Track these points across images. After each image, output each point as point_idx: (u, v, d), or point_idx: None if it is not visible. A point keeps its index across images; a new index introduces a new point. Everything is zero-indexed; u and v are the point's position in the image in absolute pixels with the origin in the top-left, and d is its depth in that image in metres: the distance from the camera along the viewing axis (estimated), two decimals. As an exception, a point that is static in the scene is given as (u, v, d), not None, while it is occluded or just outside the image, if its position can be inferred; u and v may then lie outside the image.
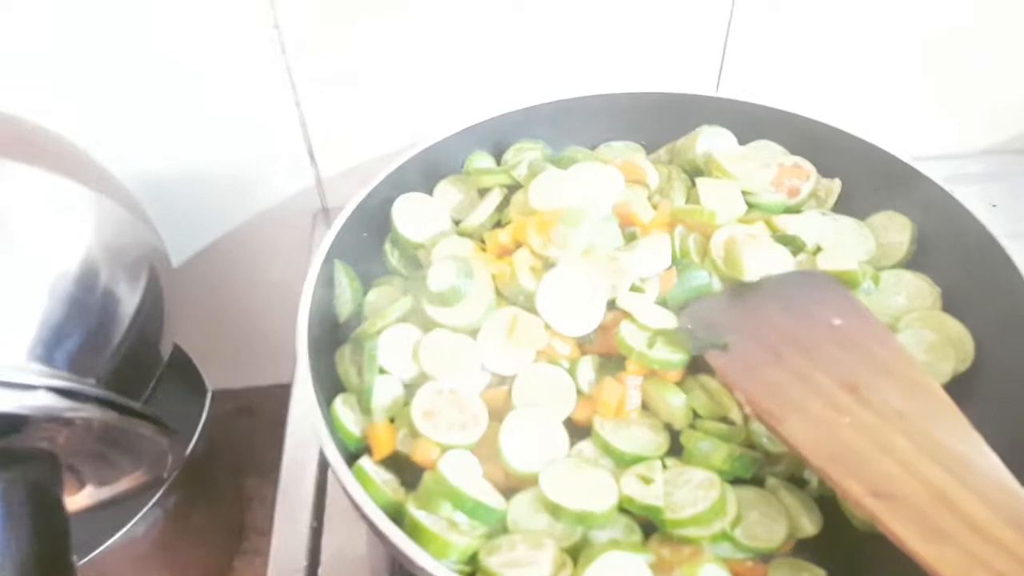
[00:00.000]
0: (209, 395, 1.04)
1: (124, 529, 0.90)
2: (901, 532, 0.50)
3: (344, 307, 0.73)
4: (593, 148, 0.87)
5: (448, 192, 0.83)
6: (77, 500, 0.91)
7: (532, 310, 0.68)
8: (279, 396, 0.95)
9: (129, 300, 0.85)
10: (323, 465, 0.79)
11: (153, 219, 0.94)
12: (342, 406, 0.65)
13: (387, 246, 0.79)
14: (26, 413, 0.68)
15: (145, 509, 0.92)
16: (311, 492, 0.77)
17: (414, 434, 0.63)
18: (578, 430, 0.66)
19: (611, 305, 0.69)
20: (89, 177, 0.87)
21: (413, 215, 0.78)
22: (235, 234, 1.08)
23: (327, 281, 0.72)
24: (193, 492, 1.01)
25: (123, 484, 0.92)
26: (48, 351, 0.75)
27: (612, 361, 0.68)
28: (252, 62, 0.91)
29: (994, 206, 1.04)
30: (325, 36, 0.90)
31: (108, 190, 0.89)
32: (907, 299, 0.72)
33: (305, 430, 0.83)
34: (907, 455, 0.54)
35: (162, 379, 0.93)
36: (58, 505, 0.77)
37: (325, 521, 0.74)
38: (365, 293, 0.75)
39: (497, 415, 0.65)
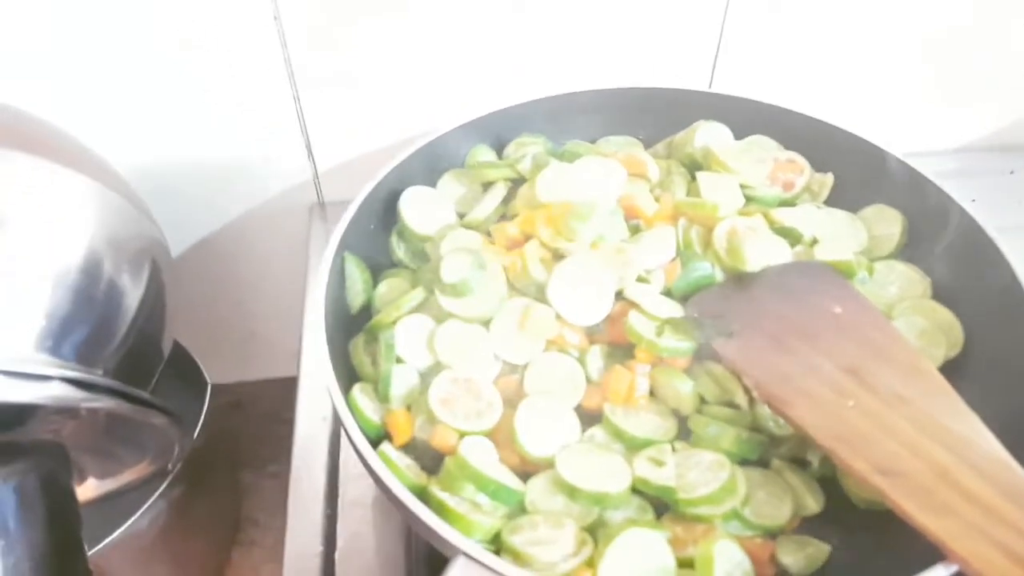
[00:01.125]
0: (209, 388, 1.04)
1: (130, 521, 0.90)
2: (907, 506, 0.53)
3: (356, 299, 0.74)
4: (592, 143, 0.89)
5: (451, 186, 0.84)
6: (80, 493, 0.91)
7: (543, 301, 0.70)
8: (270, 390, 0.97)
9: (133, 292, 0.85)
10: (334, 454, 0.80)
11: (152, 212, 0.95)
12: (360, 395, 0.66)
13: (393, 239, 0.80)
14: (41, 403, 0.68)
15: (150, 501, 0.92)
16: (323, 481, 0.78)
17: (432, 421, 0.65)
18: (588, 417, 0.68)
19: (619, 296, 0.71)
20: (89, 169, 0.87)
21: (420, 208, 0.80)
22: (231, 228, 1.08)
23: (337, 273, 0.73)
24: (194, 485, 1.02)
25: (126, 476, 0.92)
26: (56, 343, 0.75)
27: (620, 350, 0.71)
28: (252, 55, 0.92)
29: (973, 201, 1.08)
30: (326, 32, 0.91)
31: (109, 182, 0.89)
32: (899, 289, 0.75)
33: (315, 420, 0.84)
34: (909, 435, 0.57)
35: (164, 373, 0.93)
36: (70, 495, 0.77)
37: (339, 509, 0.75)
38: (375, 285, 0.76)
39: (510, 402, 0.67)
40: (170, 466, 0.92)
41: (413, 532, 0.71)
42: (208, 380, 1.04)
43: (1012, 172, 1.12)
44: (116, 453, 0.91)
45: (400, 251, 0.79)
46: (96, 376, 0.77)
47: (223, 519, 1.17)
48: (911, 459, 0.56)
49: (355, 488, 0.77)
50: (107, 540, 0.89)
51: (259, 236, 1.08)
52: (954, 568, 0.51)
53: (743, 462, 0.64)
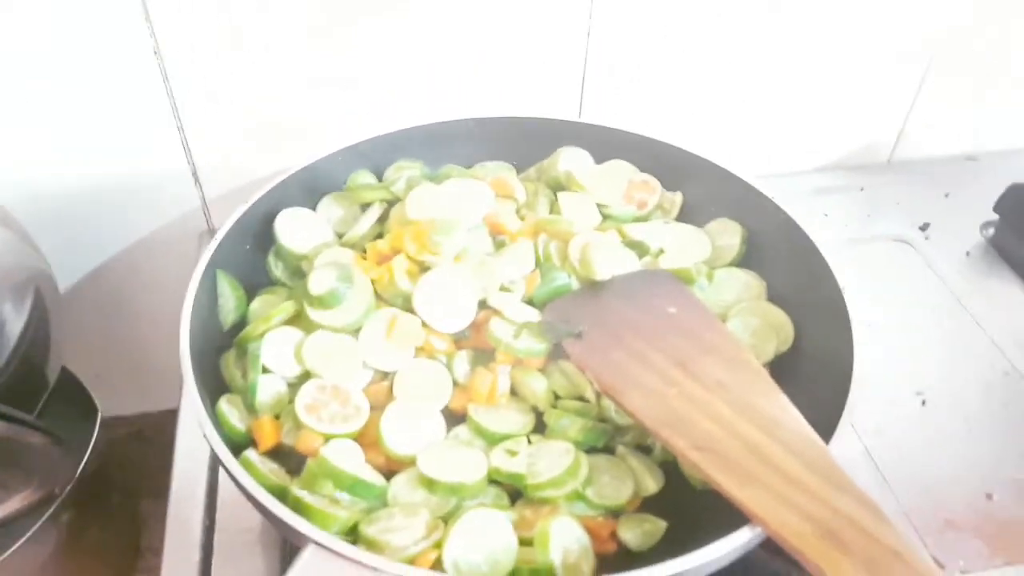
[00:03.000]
0: (99, 416, 1.05)
1: (17, 545, 0.90)
2: (719, 478, 0.59)
3: (228, 315, 0.77)
4: (468, 168, 0.95)
5: (331, 208, 0.89)
6: (-37, 523, 0.91)
7: (410, 310, 0.75)
8: (172, 421, 0.98)
9: (15, 321, 0.86)
10: (214, 469, 0.83)
11: (38, 243, 0.97)
12: (227, 405, 0.70)
13: (271, 258, 0.84)
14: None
15: (37, 526, 0.92)
16: (202, 504, 0.80)
17: (298, 426, 0.69)
18: (455, 418, 0.73)
19: (483, 305, 0.77)
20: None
21: (296, 228, 0.84)
22: (122, 257, 1.10)
23: (210, 291, 0.77)
24: (87, 512, 1.02)
25: (14, 503, 0.92)
26: (-72, 368, 0.76)
27: (484, 354, 0.76)
28: (130, 83, 0.94)
29: (826, 215, 1.18)
30: (204, 56, 0.94)
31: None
32: (737, 292, 0.82)
33: (197, 443, 0.86)
34: (725, 416, 0.64)
35: (52, 399, 0.94)
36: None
37: (216, 531, 0.78)
38: (249, 302, 0.80)
39: (380, 407, 0.71)
40: (56, 490, 0.93)
41: (288, 542, 0.74)
42: (99, 407, 1.05)
43: (862, 189, 1.23)
44: (2, 479, 0.91)
45: (277, 270, 0.83)
46: (-26, 400, 0.78)
47: (120, 547, 1.17)
48: (725, 437, 0.62)
49: (234, 512, 0.79)
50: (-4, 562, 0.89)
51: (150, 264, 1.10)
52: (759, 530, 0.57)
53: (591, 450, 0.70)
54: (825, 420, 0.65)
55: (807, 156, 1.25)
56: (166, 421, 1.27)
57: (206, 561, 0.74)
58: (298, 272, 0.83)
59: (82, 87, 0.94)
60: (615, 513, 0.67)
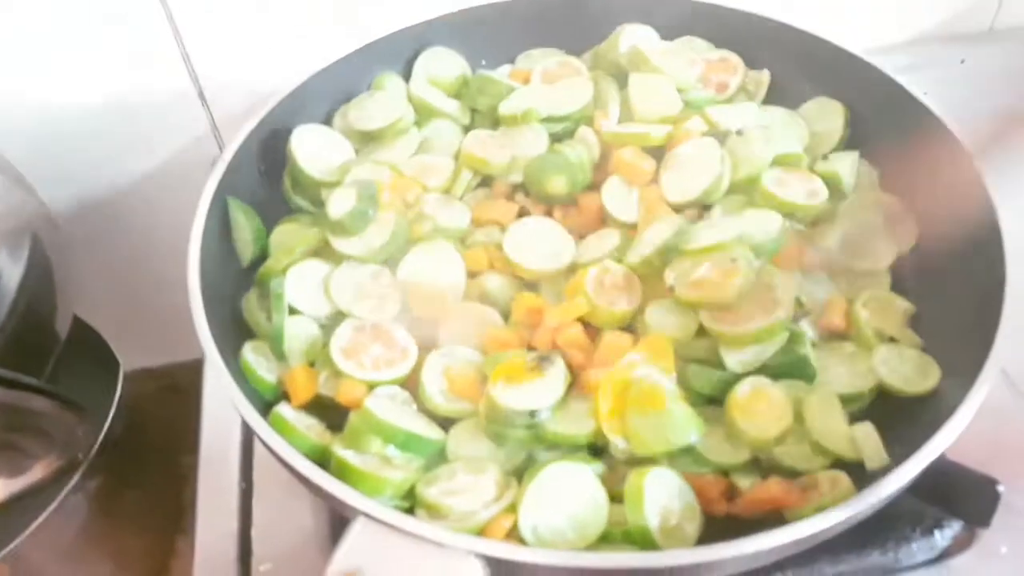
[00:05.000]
0: (122, 370, 0.96)
1: (43, 516, 0.83)
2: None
3: (245, 249, 0.66)
4: (512, 60, 0.82)
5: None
6: (-8, 496, 0.84)
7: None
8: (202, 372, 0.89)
9: (10, 274, 0.77)
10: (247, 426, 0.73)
11: (32, 182, 0.86)
12: (252, 354, 0.59)
13: (287, 181, 0.72)
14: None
15: (63, 494, 0.85)
16: (237, 457, 0.70)
17: (337, 374, 0.58)
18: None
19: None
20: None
21: (314, 146, 0.71)
22: (130, 193, 0.99)
23: (223, 223, 0.66)
24: (119, 474, 0.94)
25: (37, 471, 0.85)
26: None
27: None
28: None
29: (925, 93, 1.02)
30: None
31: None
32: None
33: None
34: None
35: (68, 355, 0.85)
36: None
37: (254, 485, 0.68)
38: (269, 233, 0.68)
39: (426, 349, 0.60)
40: (80, 456, 0.85)
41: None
42: (121, 361, 0.96)
43: (963, 62, 1.06)
44: (20, 446, 0.83)
45: (295, 195, 0.71)
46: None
47: (162, 509, 1.10)
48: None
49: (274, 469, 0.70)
50: (19, 539, 0.81)
51: (162, 199, 0.99)
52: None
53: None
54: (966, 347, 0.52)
55: (898, 28, 1.08)
56: (198, 370, 1.19)
57: (244, 531, 0.65)
58: (318, 200, 0.71)
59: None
60: (725, 472, 0.55)
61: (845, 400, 0.56)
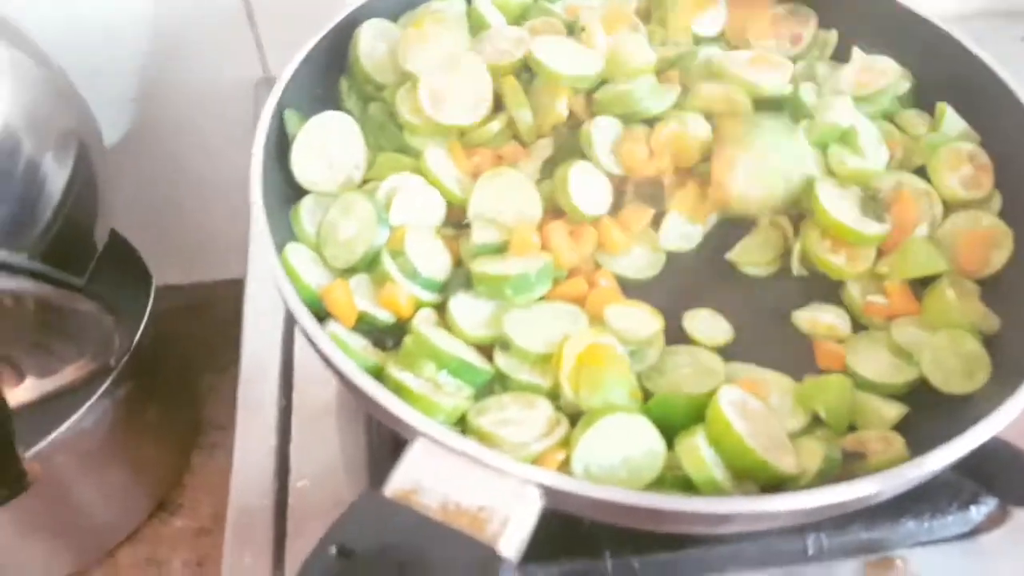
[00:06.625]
0: (154, 284, 0.96)
1: (72, 419, 0.84)
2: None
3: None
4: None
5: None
6: (18, 394, 0.85)
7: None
8: (229, 292, 0.89)
9: (58, 172, 0.76)
10: (288, 342, 0.74)
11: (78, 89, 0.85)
12: (297, 256, 0.57)
13: (343, 85, 0.69)
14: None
15: (93, 400, 0.86)
16: (276, 374, 0.71)
17: (382, 280, 0.57)
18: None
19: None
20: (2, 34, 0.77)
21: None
22: (171, 110, 0.98)
23: (279, 134, 0.64)
24: (143, 386, 0.95)
25: (68, 374, 0.86)
26: (-29, 222, 0.68)
27: None
28: None
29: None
30: None
31: (25, 50, 0.79)
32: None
33: (265, 314, 0.76)
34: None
35: (102, 266, 0.86)
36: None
37: (293, 402, 0.69)
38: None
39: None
40: (112, 362, 0.86)
41: (374, 421, 0.65)
42: (153, 275, 0.97)
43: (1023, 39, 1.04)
44: (52, 348, 0.84)
45: (351, 101, 0.69)
46: (20, 259, 0.69)
47: (180, 422, 1.11)
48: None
49: (311, 377, 0.70)
50: (48, 439, 0.83)
51: (202, 119, 0.98)
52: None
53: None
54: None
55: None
56: (222, 291, 1.20)
57: (282, 448, 0.66)
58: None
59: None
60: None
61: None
